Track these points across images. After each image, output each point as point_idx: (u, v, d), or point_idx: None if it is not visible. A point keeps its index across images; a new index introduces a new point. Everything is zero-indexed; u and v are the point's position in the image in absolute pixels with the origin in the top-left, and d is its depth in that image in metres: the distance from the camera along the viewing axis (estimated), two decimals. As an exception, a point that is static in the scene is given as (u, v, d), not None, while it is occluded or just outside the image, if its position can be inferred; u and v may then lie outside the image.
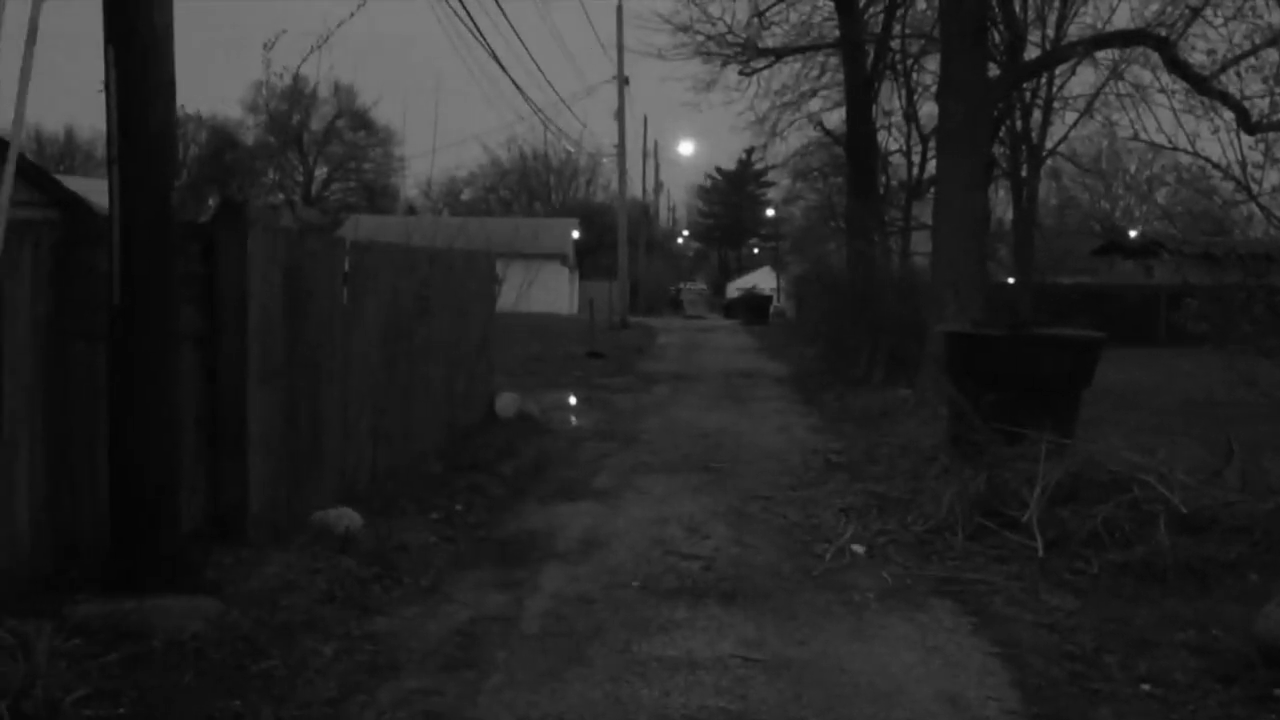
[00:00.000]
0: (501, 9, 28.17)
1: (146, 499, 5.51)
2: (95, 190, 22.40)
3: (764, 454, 11.22)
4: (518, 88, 72.42)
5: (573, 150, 54.34)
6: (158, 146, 5.46)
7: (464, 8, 35.28)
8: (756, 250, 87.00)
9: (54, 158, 53.75)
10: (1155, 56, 13.50)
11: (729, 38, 22.24)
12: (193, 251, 6.37)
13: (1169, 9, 14.14)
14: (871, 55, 23.29)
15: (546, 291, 40.31)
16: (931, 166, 23.38)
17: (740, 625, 5.73)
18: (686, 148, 64.66)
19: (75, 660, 4.62)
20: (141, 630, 4.97)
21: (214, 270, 6.44)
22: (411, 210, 61.63)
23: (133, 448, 5.49)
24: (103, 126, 5.41)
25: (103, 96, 5.38)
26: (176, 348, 5.72)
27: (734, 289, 65.66)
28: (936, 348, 11.79)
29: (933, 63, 20.76)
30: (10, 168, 4.81)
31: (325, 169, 65.30)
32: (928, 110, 24.28)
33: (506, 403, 12.88)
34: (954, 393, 9.41)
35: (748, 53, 22.48)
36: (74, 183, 22.75)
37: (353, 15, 11.91)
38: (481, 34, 56.25)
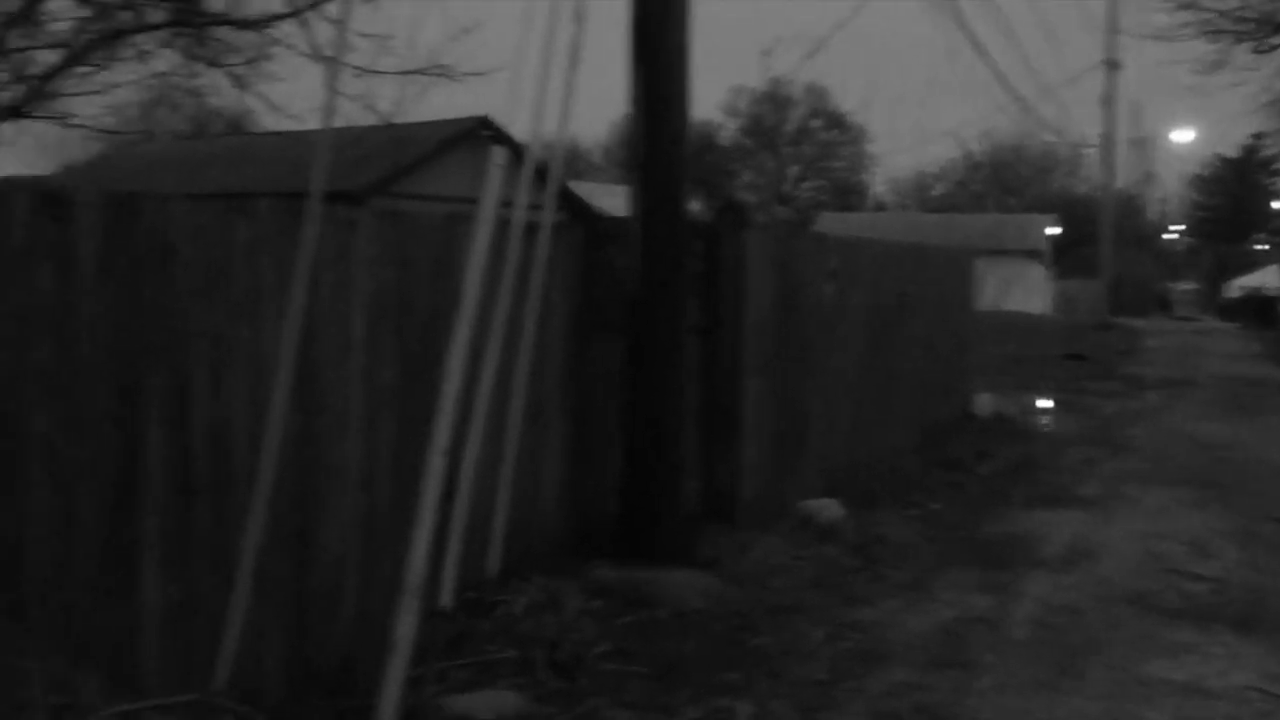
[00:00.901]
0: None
1: (654, 479, 6.00)
2: (591, 193, 24.58)
3: (1277, 472, 10.13)
4: (998, 76, 69.30)
5: (1054, 140, 51.68)
6: (672, 154, 5.92)
7: None
8: (1266, 246, 78.03)
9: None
10: None
11: (1242, 13, 20.17)
12: (695, 250, 6.82)
13: None
14: None
15: (1020, 289, 38.80)
16: None
17: (1259, 656, 5.23)
18: (1181, 135, 59.07)
19: (597, 619, 5.14)
20: (650, 598, 5.43)
21: (714, 267, 6.86)
22: (880, 207, 61.59)
23: (644, 432, 6.00)
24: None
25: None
26: (684, 341, 6.15)
27: (1234, 288, 59.46)
28: None
29: None
30: (553, 184, 5.42)
31: (796, 168, 66.85)
32: None
33: (983, 402, 12.60)
34: None
35: (1264, 28, 20.27)
36: (578, 188, 25.06)
37: (849, 20, 12.07)
38: (964, 25, 54.75)
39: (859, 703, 4.63)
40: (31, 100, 6.89)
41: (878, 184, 70.26)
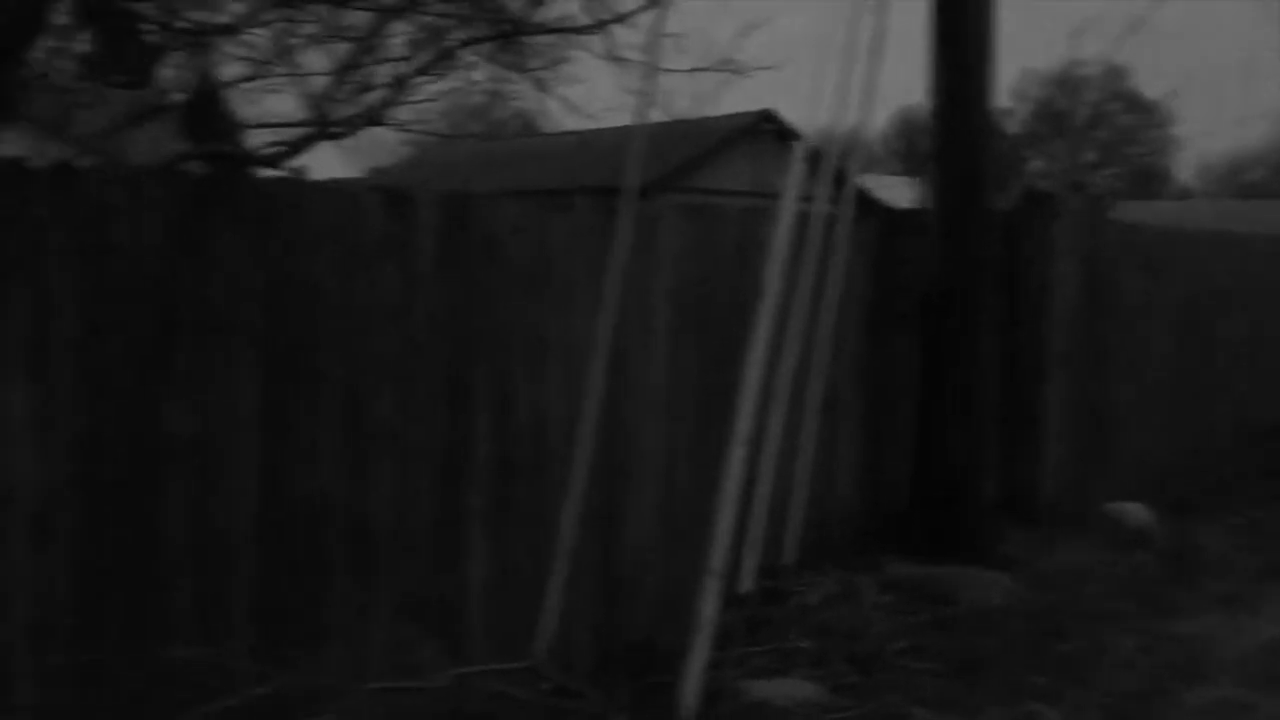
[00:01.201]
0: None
1: (949, 473, 5.88)
2: (871, 185, 24.20)
3: None
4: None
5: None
6: (975, 142, 5.77)
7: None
8: None
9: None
10: None
11: None
12: (993, 241, 6.61)
13: None
14: None
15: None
16: None
17: None
18: None
19: (890, 614, 5.09)
20: (946, 595, 5.33)
21: (1015, 259, 6.62)
22: (1186, 194, 57.46)
23: (939, 425, 5.89)
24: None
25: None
26: (983, 333, 5.99)
27: None
28: None
29: None
30: (852, 177, 5.40)
31: (1091, 154, 63.25)
32: None
33: (1313, 405, 11.53)
34: None
35: None
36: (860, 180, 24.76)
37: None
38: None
39: (1176, 718, 4.38)
40: (384, 109, 7.60)
41: (1184, 169, 65.49)
